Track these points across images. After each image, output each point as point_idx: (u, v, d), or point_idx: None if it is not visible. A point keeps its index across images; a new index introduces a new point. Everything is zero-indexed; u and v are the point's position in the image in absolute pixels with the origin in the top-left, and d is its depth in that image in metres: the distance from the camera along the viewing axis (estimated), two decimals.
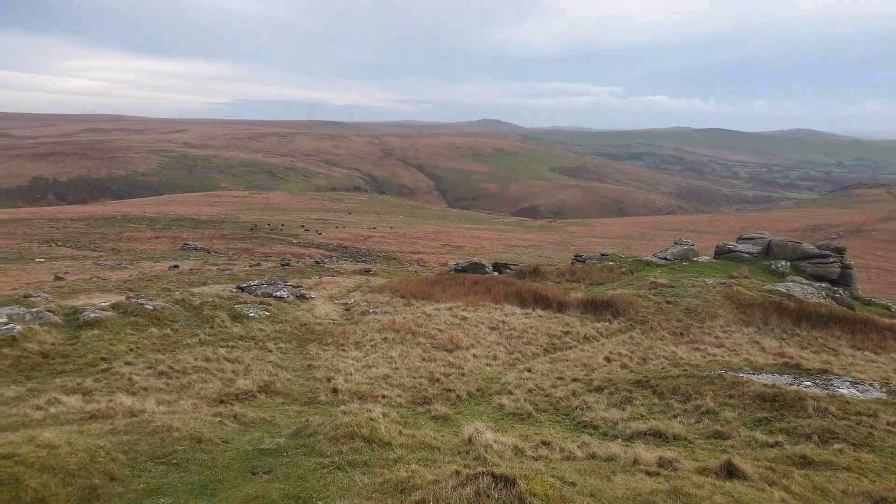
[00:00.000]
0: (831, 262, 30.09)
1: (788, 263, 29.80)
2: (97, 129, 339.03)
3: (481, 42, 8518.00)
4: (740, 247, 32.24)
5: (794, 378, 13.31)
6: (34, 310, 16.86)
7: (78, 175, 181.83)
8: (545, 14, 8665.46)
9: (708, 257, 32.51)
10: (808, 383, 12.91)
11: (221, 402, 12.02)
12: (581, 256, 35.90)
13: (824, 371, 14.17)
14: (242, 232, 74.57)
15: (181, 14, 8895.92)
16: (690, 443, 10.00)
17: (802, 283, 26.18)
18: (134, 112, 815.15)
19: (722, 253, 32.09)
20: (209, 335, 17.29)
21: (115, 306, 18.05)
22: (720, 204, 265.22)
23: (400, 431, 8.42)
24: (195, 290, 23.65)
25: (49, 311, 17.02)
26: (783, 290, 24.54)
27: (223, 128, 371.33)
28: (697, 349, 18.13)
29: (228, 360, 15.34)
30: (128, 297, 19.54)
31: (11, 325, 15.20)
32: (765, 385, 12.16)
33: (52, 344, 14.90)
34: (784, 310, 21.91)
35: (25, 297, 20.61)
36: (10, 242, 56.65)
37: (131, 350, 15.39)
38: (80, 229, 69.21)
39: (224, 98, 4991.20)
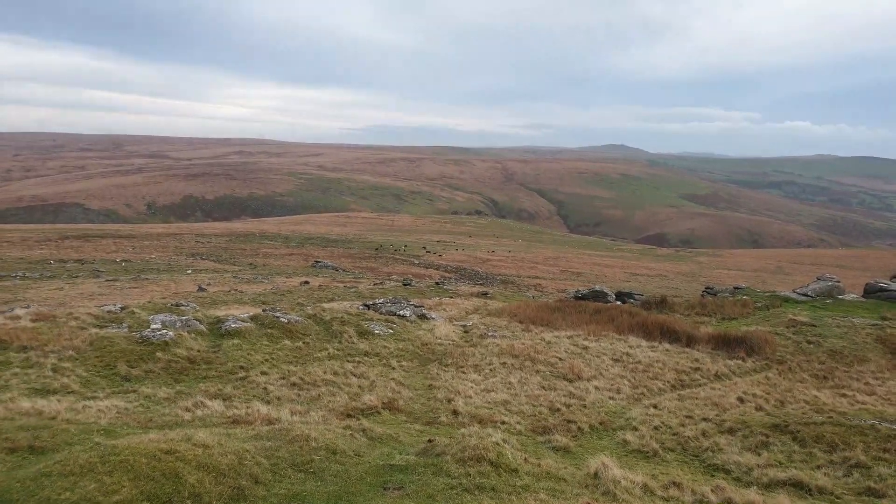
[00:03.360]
0: None
1: None
2: (242, 152, 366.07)
3: (609, 67, 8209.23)
4: (895, 285, 29.44)
5: None
6: (183, 318, 18.39)
7: (223, 194, 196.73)
8: (677, 37, 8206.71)
9: (856, 295, 29.92)
10: None
11: (348, 415, 12.50)
12: (712, 289, 34.20)
13: None
14: (368, 251, 77.43)
15: (325, 45, 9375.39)
16: (838, 498, 9.21)
17: None
18: (277, 136, 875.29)
19: (873, 291, 29.43)
20: (337, 350, 18.08)
21: (253, 318, 19.31)
22: (870, 238, 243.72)
23: (525, 459, 8.41)
24: (325, 305, 24.81)
25: (196, 319, 18.50)
26: None
27: (355, 152, 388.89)
28: (844, 395, 16.67)
29: (355, 375, 15.96)
30: (264, 310, 20.85)
31: (164, 332, 16.67)
32: None
33: (198, 350, 16.16)
34: None
35: (176, 305, 22.50)
36: (163, 254, 62.09)
37: (266, 360, 16.37)
38: (222, 244, 74.68)
39: (358, 123, 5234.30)
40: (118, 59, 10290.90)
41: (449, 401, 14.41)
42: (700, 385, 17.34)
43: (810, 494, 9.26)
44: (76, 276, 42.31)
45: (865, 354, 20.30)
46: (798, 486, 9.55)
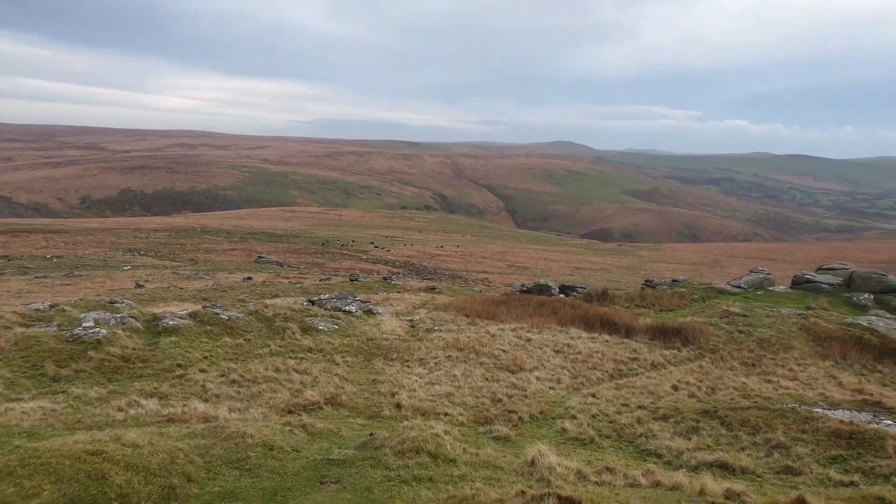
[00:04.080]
0: None
1: (872, 296, 28.26)
2: (184, 144, 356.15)
3: (558, 65, 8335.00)
4: (819, 277, 30.86)
5: (874, 416, 12.68)
6: (118, 315, 17.85)
7: (163, 188, 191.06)
8: (625, 37, 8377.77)
9: (784, 287, 31.25)
10: (889, 422, 12.26)
11: (290, 412, 12.39)
12: (651, 282, 35.18)
13: None
14: (314, 247, 76.55)
15: (274, 37, 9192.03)
16: (759, 477, 9.69)
17: (886, 318, 24.78)
18: (222, 129, 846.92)
19: (799, 283, 30.79)
20: (280, 346, 17.85)
21: (192, 315, 18.89)
22: (800, 232, 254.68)
23: (464, 449, 8.53)
24: (268, 301, 24.45)
25: (132, 316, 17.98)
26: (865, 323, 23.31)
27: (303, 145, 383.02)
28: (769, 381, 17.48)
29: (297, 372, 15.80)
30: (204, 307, 20.41)
31: (97, 329, 16.14)
32: (841, 421, 11.65)
33: (133, 349, 15.71)
34: (865, 344, 20.86)
35: (111, 302, 21.82)
36: (98, 250, 59.99)
37: (205, 358, 16.04)
38: (162, 239, 72.62)
39: (306, 117, 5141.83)
40: (52, 45, 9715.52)
41: (393, 395, 14.44)
42: (637, 374, 17.85)
43: (734, 474, 9.69)
44: (1, 274, 40.52)
45: (791, 342, 21.28)
46: (723, 467, 10.00)
